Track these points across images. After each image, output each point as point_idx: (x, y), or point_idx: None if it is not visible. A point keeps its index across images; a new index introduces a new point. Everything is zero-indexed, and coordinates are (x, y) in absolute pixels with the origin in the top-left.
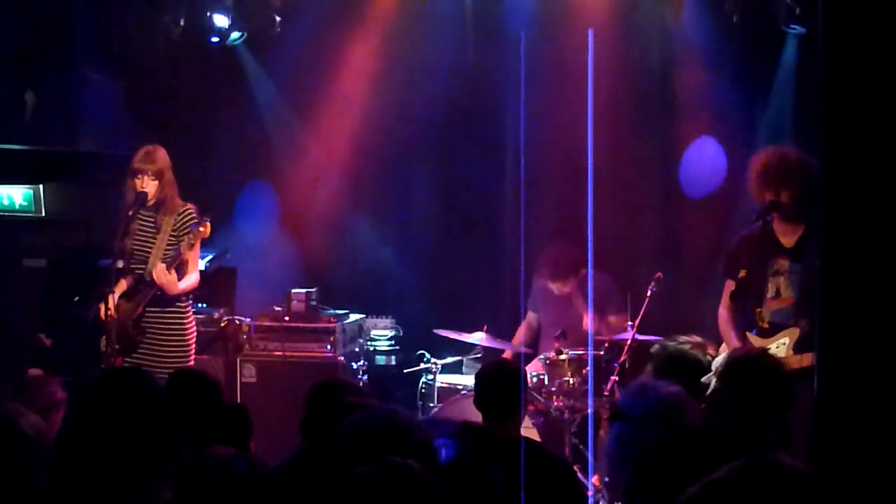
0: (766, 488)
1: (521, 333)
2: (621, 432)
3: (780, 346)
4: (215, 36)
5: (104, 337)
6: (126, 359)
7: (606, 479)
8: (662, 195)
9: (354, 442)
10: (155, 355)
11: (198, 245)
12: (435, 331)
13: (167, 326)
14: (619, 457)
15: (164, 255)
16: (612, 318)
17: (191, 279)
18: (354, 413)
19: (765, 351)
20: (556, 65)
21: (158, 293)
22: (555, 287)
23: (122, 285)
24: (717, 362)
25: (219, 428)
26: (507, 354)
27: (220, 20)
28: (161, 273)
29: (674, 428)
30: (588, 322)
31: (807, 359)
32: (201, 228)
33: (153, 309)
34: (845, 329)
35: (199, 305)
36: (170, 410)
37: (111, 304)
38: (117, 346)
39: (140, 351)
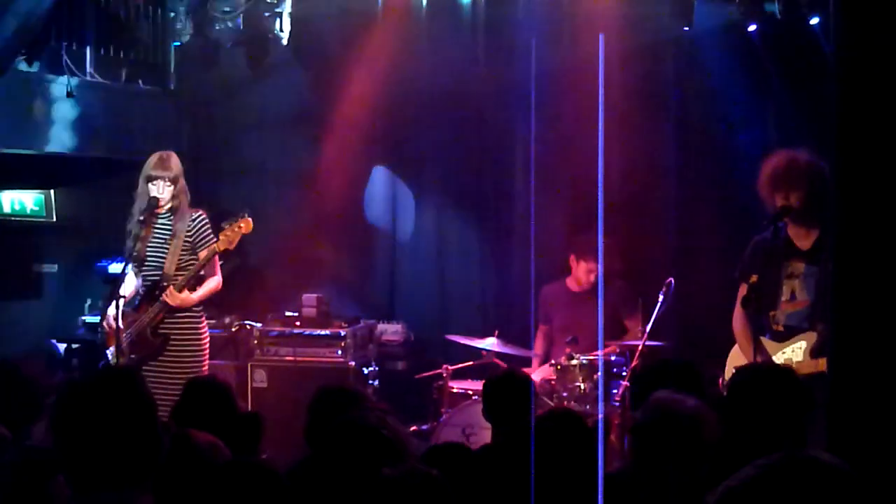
0: (805, 484)
1: (539, 345)
2: (640, 447)
3: (795, 350)
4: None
5: (113, 346)
6: (143, 366)
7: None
8: (676, 197)
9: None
10: (172, 362)
11: (232, 244)
12: (446, 336)
13: (182, 332)
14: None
15: (180, 261)
16: (627, 323)
17: (209, 285)
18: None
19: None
20: (567, 69)
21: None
22: (582, 271)
23: (130, 290)
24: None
25: (230, 434)
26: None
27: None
28: (172, 296)
29: (693, 443)
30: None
31: (823, 363)
32: (241, 224)
33: (168, 315)
34: (858, 333)
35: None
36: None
37: (115, 313)
38: (133, 356)
39: (157, 358)
